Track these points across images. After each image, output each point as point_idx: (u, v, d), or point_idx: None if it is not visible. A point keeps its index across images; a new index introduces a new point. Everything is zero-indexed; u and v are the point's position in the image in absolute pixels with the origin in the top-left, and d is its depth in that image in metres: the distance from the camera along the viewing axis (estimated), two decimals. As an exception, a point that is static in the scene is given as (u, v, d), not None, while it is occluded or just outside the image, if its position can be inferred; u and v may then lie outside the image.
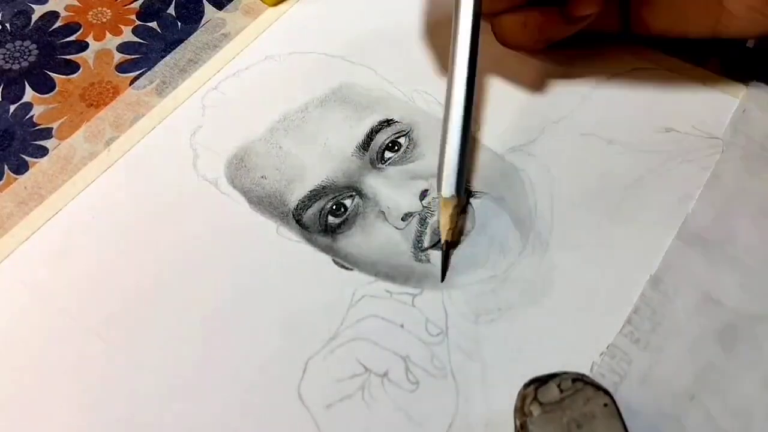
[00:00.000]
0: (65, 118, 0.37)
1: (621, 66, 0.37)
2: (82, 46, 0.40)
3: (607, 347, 0.29)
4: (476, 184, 0.33)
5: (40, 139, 0.36)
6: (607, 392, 0.26)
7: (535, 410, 0.26)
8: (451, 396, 0.28)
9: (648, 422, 0.27)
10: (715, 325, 0.29)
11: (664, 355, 0.29)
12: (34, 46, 0.40)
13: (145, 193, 0.34)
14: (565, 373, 0.27)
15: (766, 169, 0.33)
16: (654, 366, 0.28)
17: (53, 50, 0.40)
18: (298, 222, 0.33)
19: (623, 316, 0.29)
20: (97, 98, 0.38)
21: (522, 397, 0.27)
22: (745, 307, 0.30)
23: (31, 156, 0.36)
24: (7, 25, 0.41)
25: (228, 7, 0.41)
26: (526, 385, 0.27)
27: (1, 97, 0.38)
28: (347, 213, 0.32)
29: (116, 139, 0.36)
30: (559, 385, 0.26)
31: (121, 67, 0.39)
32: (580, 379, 0.26)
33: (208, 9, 0.42)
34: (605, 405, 0.26)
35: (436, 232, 0.32)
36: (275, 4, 0.41)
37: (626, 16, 0.36)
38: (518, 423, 0.26)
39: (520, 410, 0.26)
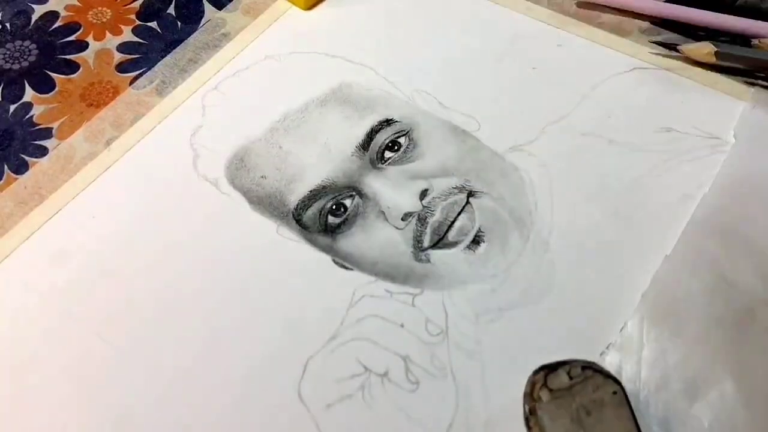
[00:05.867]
0: (65, 118, 0.37)
1: (621, 66, 0.37)
2: (82, 46, 0.40)
3: (608, 346, 0.29)
4: (476, 184, 0.33)
5: (40, 139, 0.36)
6: (616, 380, 0.26)
7: (545, 396, 0.26)
8: (451, 396, 0.28)
9: (657, 411, 0.27)
10: (732, 307, 0.29)
11: (678, 341, 0.28)
12: (34, 46, 0.40)
13: (145, 193, 0.34)
14: (575, 360, 0.27)
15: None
16: (664, 355, 0.28)
17: (53, 50, 0.40)
18: (298, 222, 0.32)
19: (623, 315, 0.29)
20: (97, 98, 0.38)
21: (531, 383, 0.27)
22: (761, 291, 0.29)
23: (31, 156, 0.36)
24: (7, 25, 0.41)
25: (228, 7, 0.41)
26: (536, 372, 0.27)
27: (1, 97, 0.38)
28: (347, 213, 0.32)
29: (116, 139, 0.36)
30: (568, 372, 0.27)
31: (121, 67, 0.39)
32: (589, 366, 0.27)
33: (208, 9, 0.42)
34: (614, 392, 0.26)
35: (436, 231, 0.32)
36: (309, 8, 0.41)
37: None
38: (527, 408, 0.26)
39: (530, 396, 0.27)
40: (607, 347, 0.29)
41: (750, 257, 0.30)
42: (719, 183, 0.32)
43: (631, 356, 0.28)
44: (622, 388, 0.26)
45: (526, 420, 0.26)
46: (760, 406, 0.27)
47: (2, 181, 0.35)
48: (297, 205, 0.33)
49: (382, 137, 0.35)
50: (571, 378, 0.26)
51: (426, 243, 0.32)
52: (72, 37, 0.41)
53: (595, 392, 0.26)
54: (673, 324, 0.29)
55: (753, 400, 0.27)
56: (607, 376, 0.26)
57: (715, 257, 0.30)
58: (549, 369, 0.27)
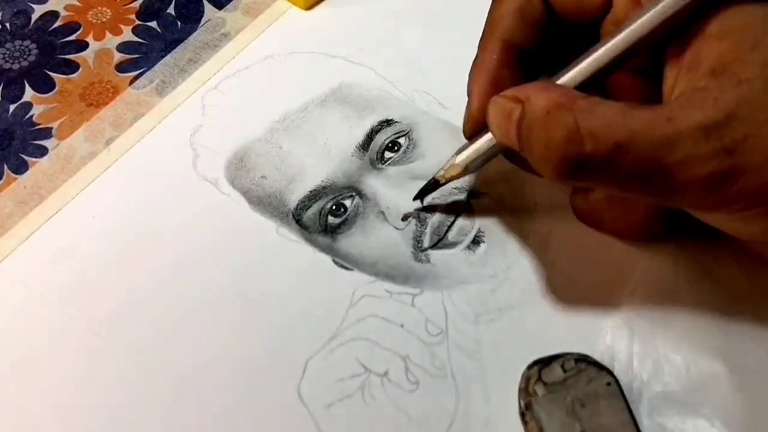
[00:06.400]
0: (65, 117, 0.37)
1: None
2: (82, 45, 0.40)
3: (607, 345, 0.29)
4: (476, 184, 0.33)
5: (40, 139, 0.36)
6: (610, 372, 0.27)
7: (540, 390, 0.26)
8: (451, 396, 0.28)
9: (651, 401, 0.27)
10: (717, 299, 0.29)
11: (668, 332, 0.29)
12: (34, 45, 0.40)
13: (145, 193, 0.34)
14: (568, 353, 0.27)
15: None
16: (655, 345, 0.28)
17: (53, 50, 0.40)
18: (298, 222, 0.33)
19: (623, 315, 0.29)
20: (97, 98, 0.38)
21: (526, 378, 0.27)
22: (746, 285, 0.30)
23: (31, 156, 0.36)
24: (7, 24, 0.41)
25: (228, 6, 0.41)
26: (530, 366, 0.27)
27: (1, 97, 0.38)
28: (347, 213, 0.32)
29: (116, 138, 0.36)
30: (562, 366, 0.27)
31: (121, 67, 0.39)
32: (583, 359, 0.27)
33: (208, 9, 0.42)
34: (608, 384, 0.26)
35: (436, 232, 0.32)
36: (309, 8, 0.41)
37: None
38: (523, 403, 0.27)
39: (525, 390, 0.27)
40: (600, 354, 0.29)
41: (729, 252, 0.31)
42: None
43: (623, 347, 0.28)
44: (616, 380, 0.26)
45: (522, 415, 0.27)
46: (754, 391, 0.27)
47: (2, 181, 0.35)
48: (297, 205, 0.33)
49: (382, 137, 0.35)
50: (565, 371, 0.27)
51: (426, 243, 0.32)
52: (72, 37, 0.41)
53: (589, 384, 0.26)
54: (662, 315, 0.29)
55: (746, 385, 0.27)
56: (601, 367, 0.27)
57: (697, 253, 0.31)
58: (543, 363, 0.27)
